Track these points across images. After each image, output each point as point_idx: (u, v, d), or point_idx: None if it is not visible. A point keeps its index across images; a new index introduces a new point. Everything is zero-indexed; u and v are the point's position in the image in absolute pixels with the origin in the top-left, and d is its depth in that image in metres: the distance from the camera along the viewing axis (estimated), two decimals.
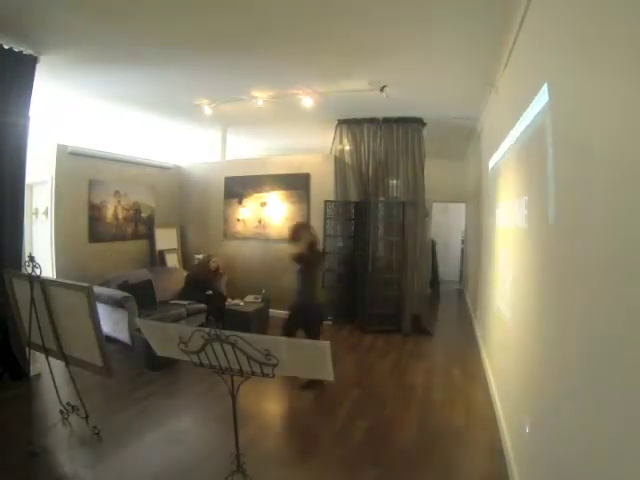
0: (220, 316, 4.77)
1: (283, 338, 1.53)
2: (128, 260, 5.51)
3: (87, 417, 2.55)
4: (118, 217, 5.43)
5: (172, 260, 6.03)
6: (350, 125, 5.45)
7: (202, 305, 4.71)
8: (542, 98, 1.75)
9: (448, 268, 9.30)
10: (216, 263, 5.27)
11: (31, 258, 2.32)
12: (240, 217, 5.94)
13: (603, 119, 1.16)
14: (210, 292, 4.91)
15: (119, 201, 5.44)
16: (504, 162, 3.06)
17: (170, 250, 6.10)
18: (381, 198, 5.35)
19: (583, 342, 1.27)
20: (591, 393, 1.19)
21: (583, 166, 1.31)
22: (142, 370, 3.57)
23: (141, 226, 5.81)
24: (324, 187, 5.38)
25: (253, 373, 1.63)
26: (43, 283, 2.40)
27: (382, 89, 4.04)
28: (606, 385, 1.09)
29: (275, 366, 1.55)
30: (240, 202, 5.93)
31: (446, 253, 9.32)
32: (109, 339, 3.70)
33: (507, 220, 2.88)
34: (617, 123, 1.07)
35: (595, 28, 1.24)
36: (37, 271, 2.32)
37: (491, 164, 3.87)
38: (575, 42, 1.43)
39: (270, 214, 5.72)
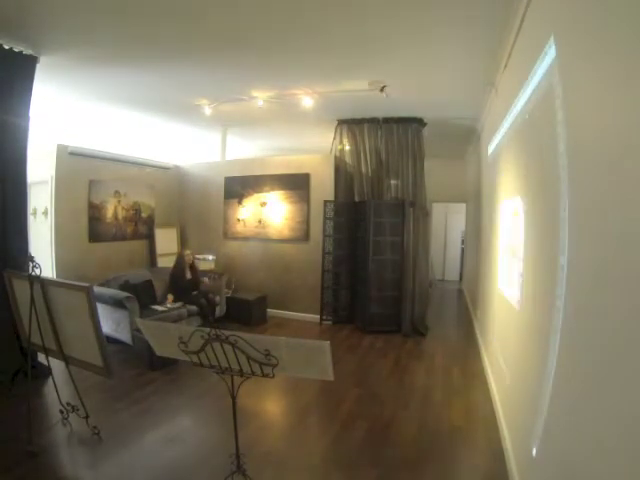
0: (206, 316, 4.67)
1: (283, 338, 1.52)
2: (128, 260, 5.52)
3: (87, 417, 2.55)
4: (118, 217, 5.44)
5: (170, 263, 5.98)
6: (350, 125, 5.45)
7: (184, 310, 4.50)
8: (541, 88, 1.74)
9: (448, 268, 9.32)
10: (190, 257, 5.03)
11: (31, 258, 2.32)
12: (240, 217, 5.94)
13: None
14: (195, 292, 4.87)
15: (119, 201, 5.45)
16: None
17: (170, 254, 6.08)
18: (381, 198, 5.35)
19: (591, 338, 1.26)
20: (591, 392, 1.19)
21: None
22: (143, 370, 3.57)
23: (141, 226, 5.82)
24: (324, 187, 5.38)
25: (253, 373, 1.63)
26: (43, 283, 2.40)
27: (382, 89, 4.04)
28: (608, 385, 1.08)
29: (275, 366, 1.55)
30: (240, 202, 5.93)
31: (446, 253, 9.34)
32: (110, 339, 3.69)
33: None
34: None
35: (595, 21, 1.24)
36: (37, 271, 2.32)
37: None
38: (576, 40, 1.43)
39: (270, 214, 5.72)
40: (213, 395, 3.12)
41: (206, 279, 5.05)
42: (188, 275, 4.93)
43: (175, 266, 4.94)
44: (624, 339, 1.00)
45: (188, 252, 5.05)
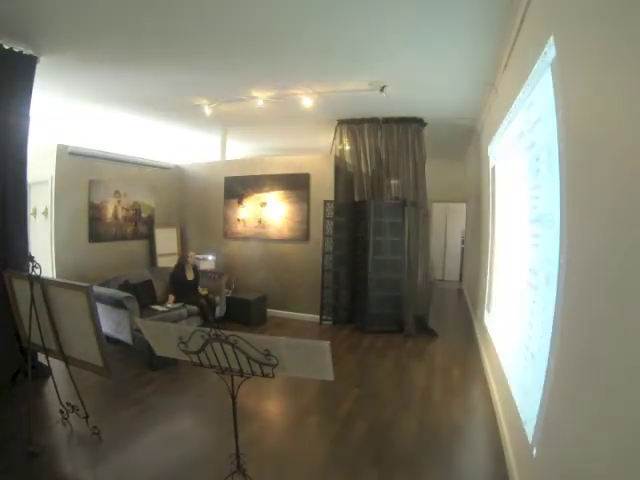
0: (206, 316, 4.68)
1: (283, 338, 1.52)
2: (128, 260, 5.52)
3: (87, 417, 2.55)
4: (118, 217, 5.44)
5: (170, 263, 5.99)
6: (350, 125, 5.45)
7: (183, 310, 4.51)
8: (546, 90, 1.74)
9: (448, 268, 9.32)
10: (193, 258, 5.05)
11: (31, 258, 2.32)
12: (240, 217, 5.95)
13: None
14: (204, 291, 4.89)
15: (119, 201, 5.45)
16: (505, 143, 2.99)
17: (170, 254, 6.08)
18: (381, 198, 5.35)
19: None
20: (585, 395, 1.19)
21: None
22: (143, 370, 3.57)
23: (141, 226, 5.82)
24: (324, 187, 5.38)
25: (253, 373, 1.63)
26: (43, 283, 2.40)
27: (382, 89, 4.04)
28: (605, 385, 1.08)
29: (275, 366, 1.55)
30: (240, 202, 5.93)
31: (446, 253, 9.34)
32: (110, 339, 3.69)
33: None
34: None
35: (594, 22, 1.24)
36: (37, 271, 2.32)
37: (490, 148, 3.82)
38: (576, 40, 1.43)
39: (270, 214, 5.72)
40: (213, 395, 3.12)
41: (209, 294, 4.96)
42: (190, 276, 4.93)
43: (176, 266, 4.94)
44: (623, 340, 1.00)
45: (192, 254, 5.05)
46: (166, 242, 6.13)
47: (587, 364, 1.23)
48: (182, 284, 4.81)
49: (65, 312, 2.42)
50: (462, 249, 8.85)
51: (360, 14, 2.67)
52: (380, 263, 5.07)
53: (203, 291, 4.91)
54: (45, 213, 4.76)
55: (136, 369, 3.60)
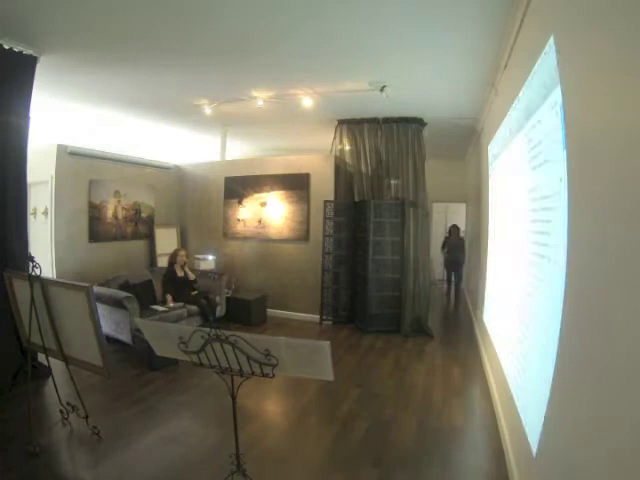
0: (206, 316, 4.69)
1: (283, 338, 1.52)
2: (128, 260, 5.52)
3: (87, 417, 2.55)
4: (118, 217, 5.44)
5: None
6: (350, 125, 5.45)
7: (184, 310, 4.51)
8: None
9: None
10: (184, 257, 4.97)
11: (31, 258, 2.32)
12: (240, 217, 5.95)
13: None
14: (195, 292, 4.90)
15: (119, 201, 5.45)
16: (505, 143, 2.99)
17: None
18: (381, 198, 5.35)
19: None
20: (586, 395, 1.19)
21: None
22: (143, 370, 3.57)
23: (141, 226, 5.82)
24: (324, 187, 5.38)
25: (253, 373, 1.63)
26: (43, 283, 2.40)
27: (382, 89, 4.04)
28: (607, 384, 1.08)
29: (275, 366, 1.55)
30: (240, 202, 5.93)
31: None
32: (110, 339, 3.69)
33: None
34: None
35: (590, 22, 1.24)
36: (37, 271, 2.32)
37: (491, 148, 3.82)
38: (576, 40, 1.43)
39: (270, 214, 5.72)
40: (213, 395, 3.12)
41: (210, 294, 4.94)
42: (180, 273, 4.92)
43: (168, 266, 4.94)
44: (623, 341, 1.00)
45: (182, 253, 5.03)
46: (166, 242, 6.12)
47: (587, 364, 1.23)
48: (175, 282, 4.80)
49: (65, 312, 2.42)
50: None
51: (360, 13, 2.66)
52: (380, 263, 5.07)
53: (194, 292, 4.92)
54: (45, 213, 4.76)
55: (136, 369, 3.60)
